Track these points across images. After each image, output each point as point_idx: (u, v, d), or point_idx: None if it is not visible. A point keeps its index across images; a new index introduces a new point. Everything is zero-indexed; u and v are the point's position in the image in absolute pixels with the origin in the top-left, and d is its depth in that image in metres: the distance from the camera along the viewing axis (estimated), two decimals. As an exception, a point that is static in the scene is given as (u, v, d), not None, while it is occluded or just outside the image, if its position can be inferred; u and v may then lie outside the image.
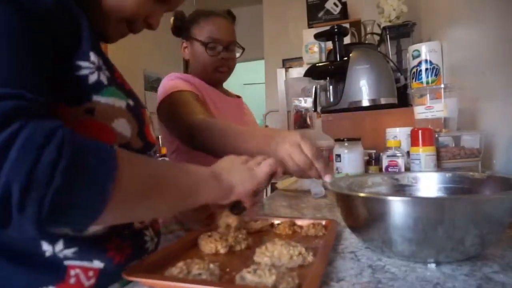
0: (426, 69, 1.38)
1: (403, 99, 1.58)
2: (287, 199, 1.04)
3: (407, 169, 0.97)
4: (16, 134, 0.33)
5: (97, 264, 0.50)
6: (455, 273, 0.45)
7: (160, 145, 1.96)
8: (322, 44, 2.35)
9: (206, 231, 0.58)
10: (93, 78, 0.49)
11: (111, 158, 0.38)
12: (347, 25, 1.93)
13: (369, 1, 2.46)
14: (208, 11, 1.18)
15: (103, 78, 0.50)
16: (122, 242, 0.53)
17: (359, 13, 2.76)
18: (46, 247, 0.47)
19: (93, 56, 0.49)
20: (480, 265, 0.47)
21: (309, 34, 2.32)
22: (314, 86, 1.70)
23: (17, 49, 0.39)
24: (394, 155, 0.97)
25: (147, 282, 0.43)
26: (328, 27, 1.64)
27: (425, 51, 1.38)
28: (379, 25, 2.07)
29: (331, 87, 1.63)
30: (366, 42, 2.16)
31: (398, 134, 1.10)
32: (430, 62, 1.37)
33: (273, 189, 1.25)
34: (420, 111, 1.12)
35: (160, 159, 1.49)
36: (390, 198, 0.48)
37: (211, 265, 0.45)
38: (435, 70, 1.37)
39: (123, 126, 0.52)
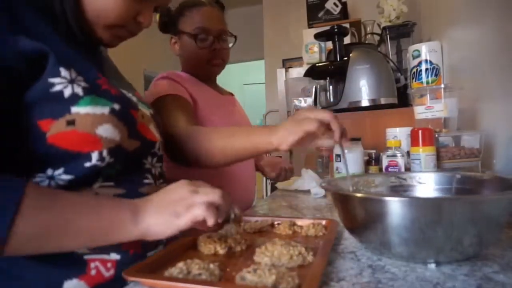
0: (426, 69, 1.38)
1: (403, 99, 1.58)
2: (287, 199, 1.04)
3: (407, 169, 0.97)
4: None
5: (114, 256, 0.54)
6: (455, 273, 0.45)
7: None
8: (322, 44, 2.34)
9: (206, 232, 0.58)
10: (67, 92, 0.50)
11: (13, 203, 0.41)
12: (347, 25, 1.93)
13: (369, 1, 2.46)
14: (194, 1, 1.11)
15: (78, 90, 0.51)
16: None
17: (359, 13, 2.76)
18: None
19: (63, 72, 0.50)
20: (480, 265, 0.47)
21: (309, 34, 2.32)
22: (314, 86, 1.70)
23: None
24: (394, 155, 0.97)
25: (147, 282, 0.43)
26: (328, 27, 1.64)
27: (425, 51, 1.38)
28: (379, 25, 2.07)
29: (331, 87, 1.63)
30: (366, 42, 2.16)
31: (398, 134, 1.10)
32: (430, 62, 1.37)
33: (273, 189, 1.25)
34: (420, 111, 1.12)
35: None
36: (388, 198, 0.48)
37: (211, 265, 0.45)
38: (435, 70, 1.37)
39: (108, 131, 0.53)
